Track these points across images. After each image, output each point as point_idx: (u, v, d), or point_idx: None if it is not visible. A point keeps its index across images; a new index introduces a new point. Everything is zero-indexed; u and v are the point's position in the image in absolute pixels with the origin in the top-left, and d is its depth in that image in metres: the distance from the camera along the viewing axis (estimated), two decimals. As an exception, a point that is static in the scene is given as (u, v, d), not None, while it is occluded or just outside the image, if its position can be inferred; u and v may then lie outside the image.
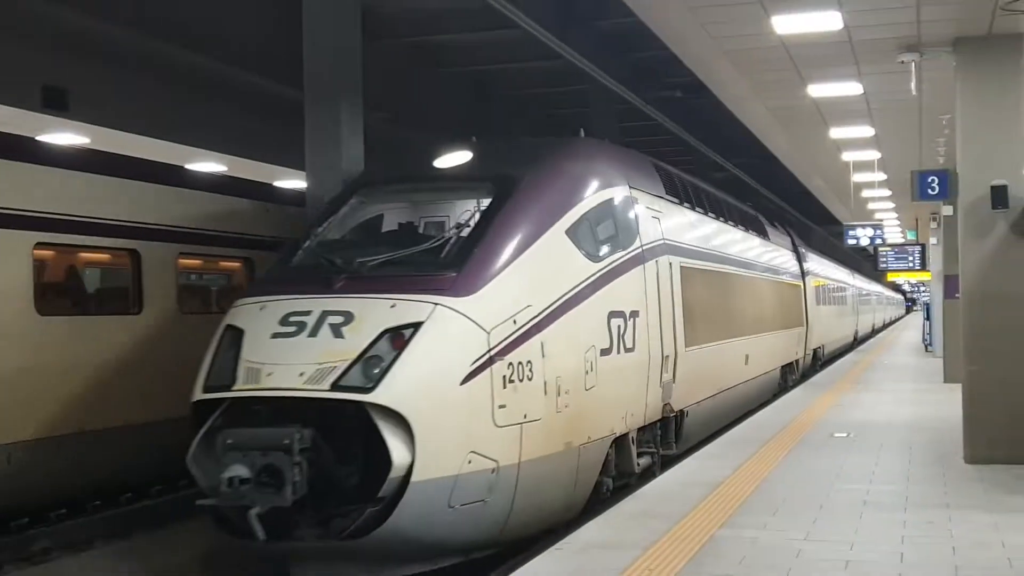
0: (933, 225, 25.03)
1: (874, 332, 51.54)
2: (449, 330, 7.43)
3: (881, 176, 22.22)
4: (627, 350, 9.51)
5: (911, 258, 27.78)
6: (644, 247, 10.31)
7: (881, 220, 30.57)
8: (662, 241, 10.99)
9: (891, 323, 70.85)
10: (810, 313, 23.27)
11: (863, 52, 12.08)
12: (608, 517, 7.98)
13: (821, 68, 12.97)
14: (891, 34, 11.31)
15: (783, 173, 26.37)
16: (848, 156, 19.85)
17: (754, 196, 28.49)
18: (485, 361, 7.42)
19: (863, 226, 23.59)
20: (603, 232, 9.45)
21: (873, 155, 19.60)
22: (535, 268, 8.26)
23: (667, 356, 10.75)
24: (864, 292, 45.38)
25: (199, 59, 15.79)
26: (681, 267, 11.63)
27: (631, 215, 10.21)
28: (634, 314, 9.78)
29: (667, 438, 11.19)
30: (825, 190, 27.77)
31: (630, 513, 8.08)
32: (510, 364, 7.58)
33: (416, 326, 7.32)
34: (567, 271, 8.65)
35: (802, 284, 22.84)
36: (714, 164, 25.23)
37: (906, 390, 18.70)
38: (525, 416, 7.66)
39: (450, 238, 8.30)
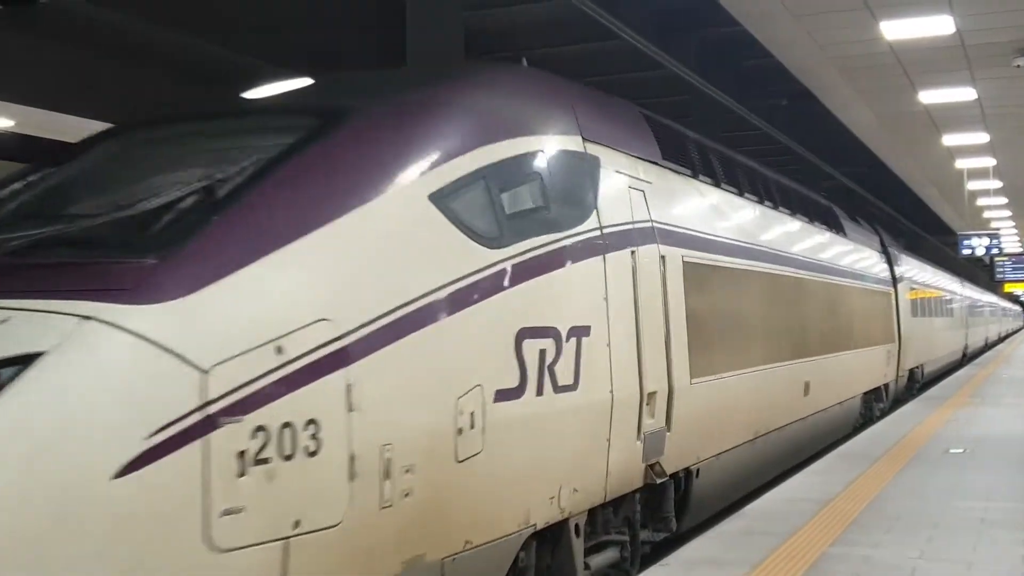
0: (1053, 234, 24.21)
1: (987, 346, 47.58)
2: (105, 368, 3.74)
3: (996, 184, 21.59)
4: (561, 388, 5.99)
5: (1030, 268, 26.91)
6: (607, 230, 6.78)
7: (998, 229, 29.67)
8: (649, 224, 7.46)
9: (1007, 336, 68.51)
10: (904, 327, 19.57)
11: (977, 57, 11.76)
12: (711, 535, 7.83)
13: (933, 74, 12.68)
14: (1006, 37, 11.00)
15: (893, 182, 25.79)
16: (962, 163, 19.34)
17: (864, 205, 27.90)
18: (193, 426, 3.81)
19: (979, 235, 22.92)
20: (517, 201, 5.98)
21: (988, 162, 19.07)
22: (347, 254, 4.68)
23: (652, 393, 7.15)
24: (976, 303, 40.75)
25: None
26: (685, 263, 8.04)
27: (583, 181, 6.71)
28: (578, 331, 6.25)
29: (660, 513, 7.77)
30: (938, 199, 27.07)
31: (734, 531, 7.93)
32: (260, 429, 4.02)
33: (26, 361, 3.63)
34: (427, 260, 5.07)
35: (893, 292, 18.94)
36: (823, 173, 24.81)
37: (1026, 404, 18.06)
38: (297, 524, 4.11)
39: (179, 200, 4.54)
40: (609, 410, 6.57)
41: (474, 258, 5.38)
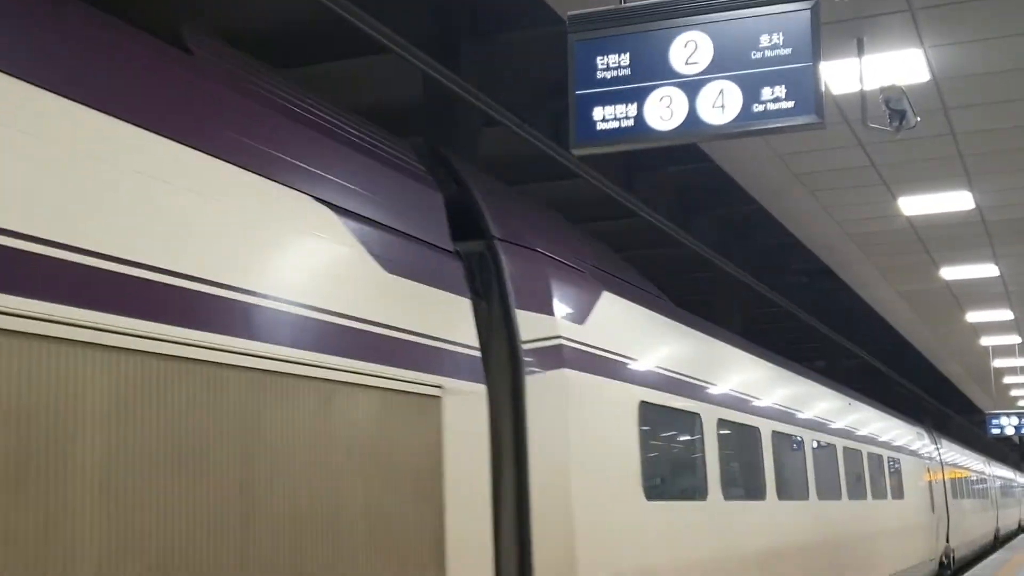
0: (1084, 412, 23.74)
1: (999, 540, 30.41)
2: None
3: (1023, 362, 21.29)
4: None
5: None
6: None
7: (1026, 408, 29.15)
8: None
9: None
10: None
11: (997, 233, 11.71)
12: None
13: (953, 250, 12.61)
14: (1026, 213, 10.97)
15: (918, 359, 25.51)
16: (987, 341, 19.11)
17: (887, 383, 27.56)
18: None
19: (1007, 414, 22.45)
20: None
21: (1014, 339, 18.82)
22: None
23: None
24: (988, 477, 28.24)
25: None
26: None
27: None
28: None
29: None
30: (964, 377, 26.69)
31: None
32: None
33: None
34: None
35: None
36: (845, 351, 24.59)
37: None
38: None
39: None
40: None
41: None
